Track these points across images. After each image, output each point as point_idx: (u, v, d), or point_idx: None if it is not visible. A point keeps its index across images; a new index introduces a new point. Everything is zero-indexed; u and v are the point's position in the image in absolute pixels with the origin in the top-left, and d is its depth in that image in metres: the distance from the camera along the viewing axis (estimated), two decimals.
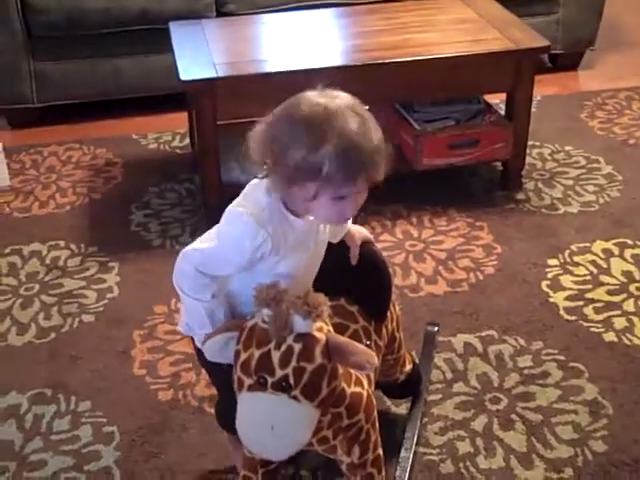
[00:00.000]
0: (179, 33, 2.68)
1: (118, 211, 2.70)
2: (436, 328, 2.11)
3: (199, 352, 1.54)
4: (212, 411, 1.90)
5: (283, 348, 1.32)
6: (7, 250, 2.53)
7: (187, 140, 3.03)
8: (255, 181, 1.46)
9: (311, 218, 1.45)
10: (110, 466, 1.79)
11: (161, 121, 3.21)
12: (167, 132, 3.13)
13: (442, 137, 2.62)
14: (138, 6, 3.07)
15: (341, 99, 1.39)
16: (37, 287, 2.36)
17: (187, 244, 1.51)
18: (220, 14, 3.18)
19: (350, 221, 1.61)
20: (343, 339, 1.37)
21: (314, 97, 1.38)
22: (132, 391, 1.99)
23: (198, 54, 2.52)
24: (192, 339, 1.58)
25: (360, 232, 1.64)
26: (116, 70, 3.18)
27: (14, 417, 1.93)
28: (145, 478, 1.77)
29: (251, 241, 1.39)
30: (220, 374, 1.53)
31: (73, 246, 2.53)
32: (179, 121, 3.04)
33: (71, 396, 1.98)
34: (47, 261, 2.47)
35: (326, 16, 2.92)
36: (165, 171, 2.89)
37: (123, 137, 3.14)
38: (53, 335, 2.18)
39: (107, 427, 1.89)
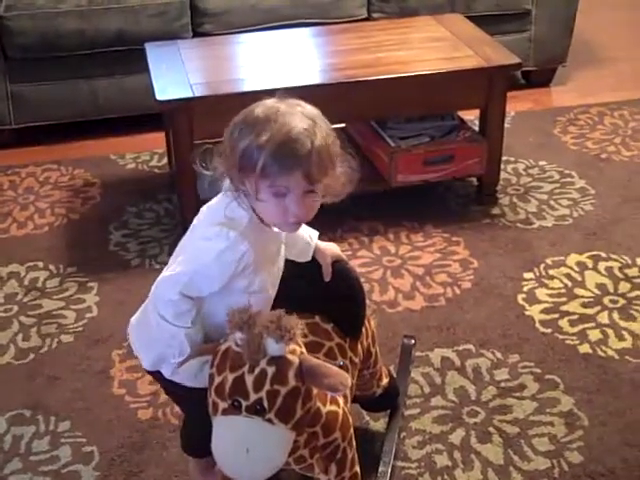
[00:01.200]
0: (155, 53, 2.70)
1: (97, 231, 2.71)
2: (412, 341, 2.12)
3: (166, 383, 1.56)
4: None
5: (256, 372, 1.33)
6: None
7: (165, 160, 3.04)
8: (216, 199, 1.50)
9: (275, 229, 1.47)
10: None
11: (139, 141, 3.22)
12: (145, 152, 3.14)
13: (417, 153, 2.65)
14: (114, 27, 3.09)
15: (298, 105, 1.43)
16: (16, 308, 2.36)
17: (166, 263, 1.53)
18: (196, 34, 3.21)
19: (313, 236, 1.62)
20: (316, 361, 1.38)
21: (271, 102, 1.43)
22: (111, 410, 1.99)
23: (174, 74, 2.54)
24: (157, 374, 1.58)
25: (331, 249, 1.66)
26: (93, 91, 3.19)
27: None
28: None
29: (234, 254, 1.41)
30: (188, 397, 1.55)
31: (52, 267, 2.53)
32: (157, 141, 3.06)
33: (50, 416, 1.98)
34: (26, 282, 2.47)
35: (301, 35, 2.96)
36: (143, 191, 2.91)
37: (101, 157, 3.15)
38: (32, 356, 2.18)
39: (87, 447, 1.89)
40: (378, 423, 1.93)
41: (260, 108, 1.41)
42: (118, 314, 2.31)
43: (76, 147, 3.24)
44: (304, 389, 1.35)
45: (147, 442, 1.90)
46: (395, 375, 1.98)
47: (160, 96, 2.41)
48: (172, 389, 1.59)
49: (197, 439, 1.65)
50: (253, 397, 1.32)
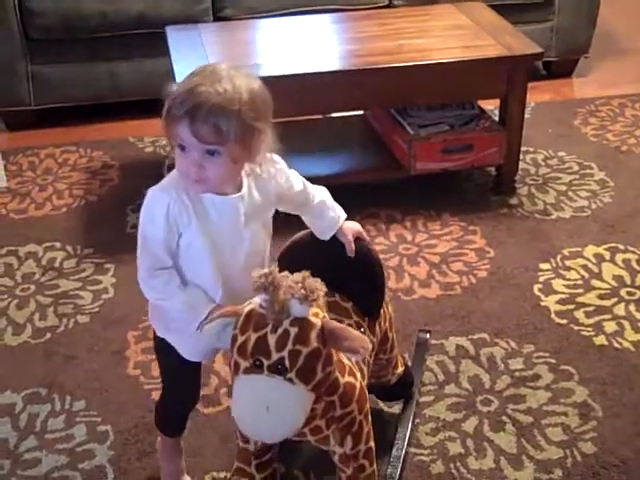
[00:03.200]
0: (176, 37, 2.70)
1: (114, 213, 2.72)
2: (428, 335, 2.13)
3: (156, 350, 1.65)
4: (205, 411, 1.92)
5: (279, 331, 1.34)
6: (3, 251, 2.54)
7: None
8: None
9: (232, 195, 1.47)
10: (104, 465, 1.81)
11: (158, 125, 3.13)
12: (163, 136, 3.13)
13: (436, 142, 2.64)
14: (135, 10, 3.09)
15: (240, 73, 1.42)
16: (33, 288, 2.38)
17: None
18: (217, 19, 3.21)
19: (341, 217, 1.64)
20: (338, 324, 1.40)
21: (219, 64, 1.44)
22: (126, 391, 2.00)
23: (194, 58, 2.54)
24: (154, 332, 1.63)
25: (352, 228, 1.66)
26: (113, 73, 3.20)
27: (9, 416, 1.94)
28: (138, 476, 1.79)
29: (160, 208, 1.43)
30: (169, 370, 1.62)
31: (69, 248, 2.55)
32: None
33: (66, 395, 1.99)
34: (43, 262, 2.48)
35: (322, 21, 2.95)
36: (161, 174, 2.82)
37: (120, 140, 3.16)
38: (48, 335, 2.19)
39: (101, 426, 1.91)
40: (392, 409, 1.93)
41: (201, 67, 1.44)
42: (134, 296, 2.29)
43: (95, 129, 3.26)
44: (325, 352, 1.37)
45: None
46: (410, 364, 1.98)
47: (180, 80, 2.40)
48: (158, 355, 1.66)
49: (169, 416, 1.72)
50: (275, 356, 1.34)
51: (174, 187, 1.45)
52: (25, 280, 2.41)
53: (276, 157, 1.55)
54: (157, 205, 1.44)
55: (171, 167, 1.48)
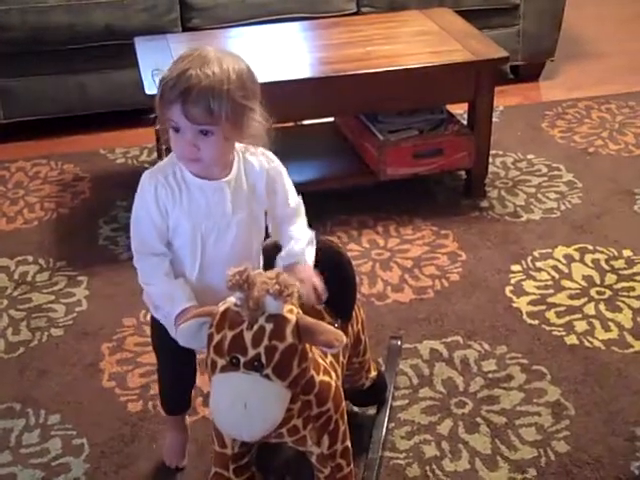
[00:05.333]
0: (144, 48, 2.70)
1: (86, 225, 2.71)
2: (399, 342, 2.14)
3: (151, 330, 1.70)
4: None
5: (255, 328, 1.36)
6: None
7: (155, 154, 3.04)
8: None
9: (213, 182, 1.52)
10: (80, 478, 1.80)
11: (128, 136, 3.22)
12: (135, 147, 3.15)
13: (406, 147, 2.66)
14: (103, 22, 3.09)
15: (228, 55, 1.48)
16: (5, 302, 2.36)
17: None
18: (186, 29, 3.21)
19: (305, 253, 1.58)
20: (312, 320, 1.41)
21: (207, 47, 1.49)
22: (101, 403, 2.00)
23: (164, 68, 2.53)
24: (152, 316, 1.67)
25: (310, 274, 1.56)
26: (82, 86, 3.19)
27: None
28: None
29: (149, 191, 1.51)
30: (161, 349, 1.69)
31: (41, 261, 2.54)
32: (146, 136, 3.04)
33: (40, 410, 1.98)
34: (15, 276, 2.47)
35: (291, 30, 2.96)
36: (133, 185, 2.83)
37: (90, 152, 3.15)
38: (22, 349, 2.18)
39: (77, 439, 1.90)
40: (366, 413, 1.94)
41: (189, 51, 1.49)
42: (107, 308, 2.32)
43: (65, 142, 3.24)
44: (300, 348, 1.38)
45: (137, 434, 1.90)
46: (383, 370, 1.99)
47: (149, 90, 2.41)
48: (151, 334, 1.71)
49: (167, 395, 1.77)
50: (251, 353, 1.35)
51: (163, 170, 1.52)
52: None
53: (271, 155, 1.60)
54: (146, 188, 1.52)
55: (167, 150, 1.55)
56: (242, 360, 1.36)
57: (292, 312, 1.39)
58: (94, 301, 2.36)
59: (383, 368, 2.02)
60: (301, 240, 1.60)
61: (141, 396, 2.01)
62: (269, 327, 1.36)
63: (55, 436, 1.91)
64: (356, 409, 1.95)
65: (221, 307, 1.41)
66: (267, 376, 1.35)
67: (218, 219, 1.54)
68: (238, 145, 1.56)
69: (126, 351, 2.16)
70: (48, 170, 3.05)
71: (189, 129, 1.44)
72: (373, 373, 1.88)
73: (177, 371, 1.71)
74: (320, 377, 1.49)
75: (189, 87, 1.41)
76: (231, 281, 1.35)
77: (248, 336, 1.36)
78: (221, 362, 1.37)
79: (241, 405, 1.34)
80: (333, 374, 1.54)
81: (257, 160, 1.58)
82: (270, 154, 1.61)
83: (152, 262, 1.54)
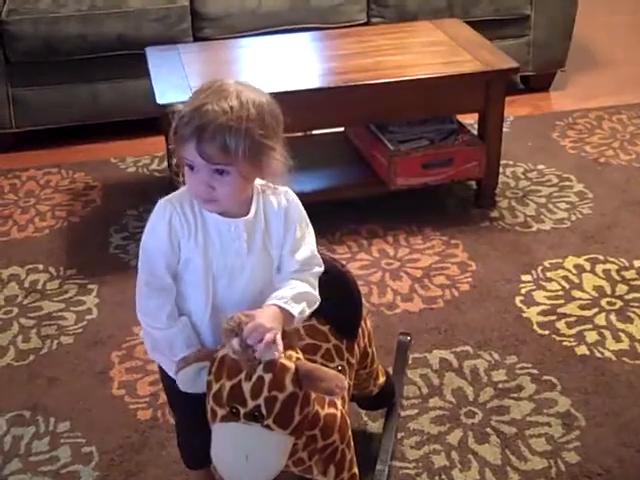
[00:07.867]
0: (156, 58, 2.71)
1: (97, 234, 2.72)
2: (408, 338, 2.13)
3: (162, 383, 1.60)
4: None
5: (254, 379, 1.33)
6: None
7: (165, 163, 3.05)
8: None
9: (229, 221, 1.43)
10: None
11: (139, 145, 3.24)
12: (145, 155, 3.16)
13: (416, 157, 2.66)
14: (115, 32, 3.11)
15: (247, 89, 1.38)
16: (16, 310, 2.37)
17: None
18: (197, 39, 3.22)
19: (291, 310, 1.42)
20: (312, 365, 1.39)
21: (227, 80, 1.39)
22: (111, 411, 2.00)
23: (174, 78, 2.55)
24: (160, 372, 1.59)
25: (274, 318, 1.41)
26: (94, 95, 3.20)
27: None
28: None
29: (162, 219, 1.41)
30: (174, 402, 1.60)
31: (52, 269, 2.54)
32: (157, 145, 3.06)
33: (50, 417, 1.99)
34: (26, 284, 2.48)
35: (301, 40, 2.97)
36: (143, 194, 2.91)
37: (101, 161, 3.16)
38: (32, 357, 2.19)
39: (86, 447, 1.90)
40: (376, 424, 1.94)
41: (208, 83, 1.39)
42: (117, 316, 2.32)
43: (77, 151, 3.26)
44: (302, 394, 1.36)
45: (146, 442, 1.91)
46: (392, 373, 1.98)
47: (160, 100, 2.42)
48: (163, 386, 1.62)
49: (187, 449, 1.67)
50: (251, 404, 1.33)
51: (180, 200, 1.43)
52: (8, 302, 2.40)
53: (294, 197, 1.49)
54: (160, 216, 1.42)
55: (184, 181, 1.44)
56: (242, 411, 1.33)
57: (291, 358, 1.37)
58: (104, 309, 2.36)
59: (391, 369, 2.01)
60: (297, 288, 1.44)
61: (150, 404, 2.01)
62: (268, 377, 1.33)
63: (65, 444, 1.91)
64: (365, 418, 1.94)
65: (219, 353, 1.38)
66: (268, 426, 1.33)
67: (232, 259, 1.44)
68: (259, 181, 1.46)
69: (136, 359, 2.16)
70: (59, 179, 3.06)
71: (204, 168, 1.35)
72: (381, 379, 1.86)
73: (192, 424, 1.54)
74: (325, 411, 1.46)
75: (204, 124, 1.32)
76: (226, 328, 1.32)
77: (247, 387, 1.33)
78: (221, 412, 1.35)
79: (243, 456, 1.33)
80: (339, 402, 1.51)
81: (276, 200, 1.47)
82: (292, 196, 1.49)
83: (159, 302, 1.43)
